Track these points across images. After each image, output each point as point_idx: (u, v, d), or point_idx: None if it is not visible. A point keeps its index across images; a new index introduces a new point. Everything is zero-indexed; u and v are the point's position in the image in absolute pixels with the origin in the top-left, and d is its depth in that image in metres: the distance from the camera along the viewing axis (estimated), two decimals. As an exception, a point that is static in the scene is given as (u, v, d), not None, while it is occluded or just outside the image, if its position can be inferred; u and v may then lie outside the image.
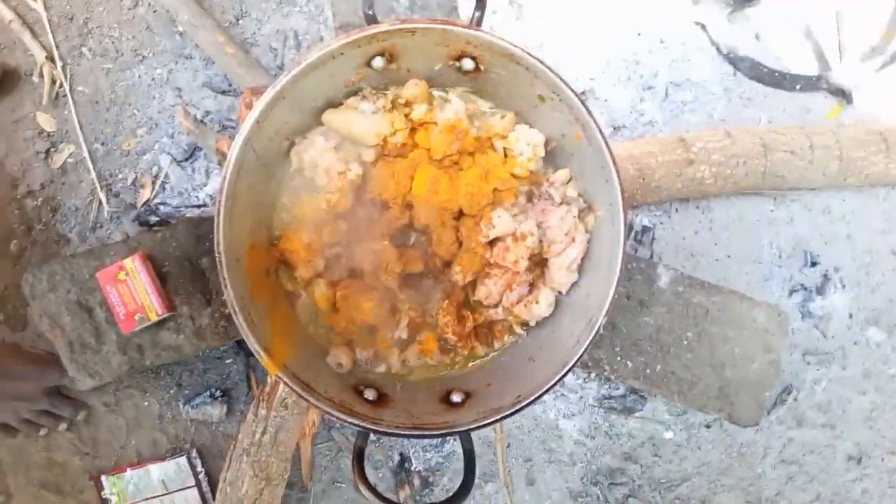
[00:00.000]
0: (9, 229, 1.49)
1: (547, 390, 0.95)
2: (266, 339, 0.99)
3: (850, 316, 1.55)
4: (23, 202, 1.49)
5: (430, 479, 1.49)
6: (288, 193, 1.14)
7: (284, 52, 1.48)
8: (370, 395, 1.04)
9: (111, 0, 1.50)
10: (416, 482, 1.49)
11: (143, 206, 1.47)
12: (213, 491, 1.44)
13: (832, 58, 1.49)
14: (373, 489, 0.89)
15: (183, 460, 1.44)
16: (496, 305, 1.14)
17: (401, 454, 1.49)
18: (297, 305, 1.14)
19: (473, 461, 0.95)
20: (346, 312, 1.10)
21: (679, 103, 1.51)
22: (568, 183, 1.12)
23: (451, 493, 0.90)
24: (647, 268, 1.28)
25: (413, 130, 1.12)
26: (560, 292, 1.12)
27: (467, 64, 1.07)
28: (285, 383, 0.95)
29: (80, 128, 1.49)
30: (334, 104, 1.12)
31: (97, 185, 1.49)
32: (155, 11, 1.50)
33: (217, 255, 0.96)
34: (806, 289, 1.53)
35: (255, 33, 1.50)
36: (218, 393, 1.46)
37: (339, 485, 1.50)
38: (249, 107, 1.26)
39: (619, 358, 1.28)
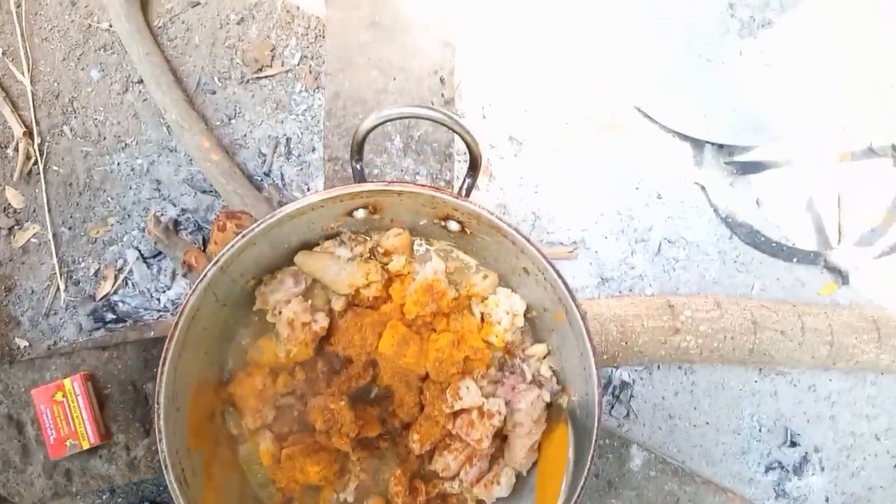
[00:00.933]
0: (-45, 306, 1.41)
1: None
2: (198, 497, 0.92)
3: (827, 500, 1.48)
4: (-25, 279, 1.42)
5: None
6: (246, 334, 1.08)
7: (273, 159, 1.43)
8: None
9: (101, 82, 1.45)
10: None
11: (101, 299, 1.40)
12: None
13: (832, 236, 1.45)
14: None
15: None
16: (453, 479, 1.07)
17: None
18: (239, 450, 1.06)
19: None
20: (290, 471, 1.02)
21: (671, 260, 1.46)
22: (544, 359, 1.06)
23: None
24: (620, 446, 1.21)
25: (389, 281, 1.07)
26: (521, 472, 1.05)
27: (453, 226, 1.02)
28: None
29: (49, 209, 1.43)
30: (309, 245, 1.06)
31: (57, 270, 1.41)
32: (145, 100, 1.45)
33: (156, 406, 0.90)
34: (783, 467, 1.46)
35: (245, 135, 1.44)
36: (152, 508, 1.36)
37: None
38: (222, 229, 1.20)
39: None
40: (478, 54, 1.44)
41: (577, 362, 0.96)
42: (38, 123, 1.44)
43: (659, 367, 1.46)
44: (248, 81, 1.46)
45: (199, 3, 1.47)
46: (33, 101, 1.44)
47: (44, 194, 1.43)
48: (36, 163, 1.43)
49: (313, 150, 1.44)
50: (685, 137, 1.43)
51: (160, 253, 1.40)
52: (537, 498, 0.99)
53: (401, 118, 0.94)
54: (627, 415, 1.44)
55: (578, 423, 0.97)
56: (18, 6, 1.46)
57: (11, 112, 1.42)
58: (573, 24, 1.43)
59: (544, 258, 0.92)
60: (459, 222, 1.01)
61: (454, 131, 0.90)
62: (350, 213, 1.01)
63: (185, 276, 1.27)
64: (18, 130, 1.42)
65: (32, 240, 1.43)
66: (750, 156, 1.43)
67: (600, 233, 1.43)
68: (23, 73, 1.44)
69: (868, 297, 1.47)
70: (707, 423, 1.46)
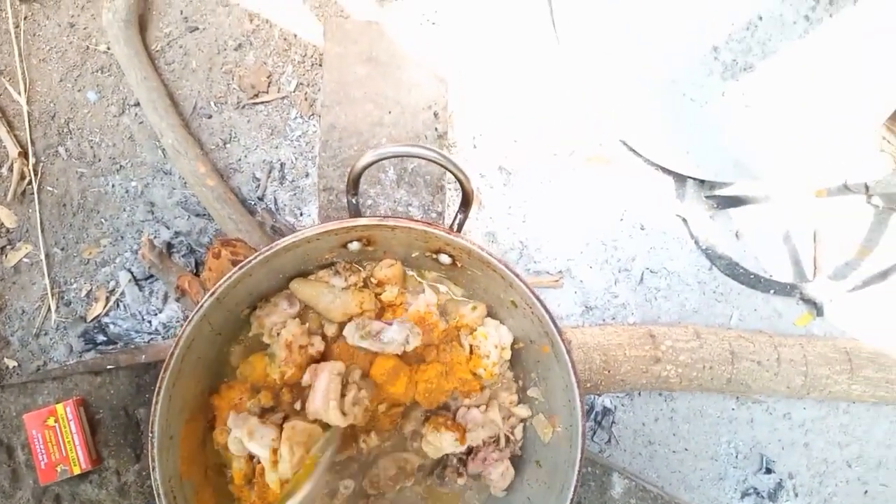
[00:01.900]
0: (-55, 325, 1.41)
1: None
2: (190, 526, 0.94)
3: (800, 525, 1.52)
4: (-35, 298, 1.42)
5: None
6: (237, 356, 1.10)
7: (267, 184, 1.45)
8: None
9: (98, 104, 1.47)
10: None
11: (92, 320, 1.41)
12: None
13: (808, 269, 1.50)
14: None
15: None
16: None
17: None
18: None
19: None
20: (260, 489, 1.04)
21: (653, 289, 1.50)
22: (521, 422, 1.09)
23: None
24: (602, 474, 1.24)
25: (382, 310, 1.09)
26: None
27: (444, 259, 1.05)
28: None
29: (42, 229, 1.44)
30: (304, 273, 1.09)
31: (49, 290, 1.42)
32: (141, 123, 1.47)
33: (150, 435, 0.91)
34: (759, 493, 1.50)
35: (240, 160, 1.47)
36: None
37: None
38: (217, 256, 1.22)
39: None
40: (469, 86, 1.48)
41: (562, 394, 0.99)
42: (33, 143, 1.45)
43: (640, 393, 1.50)
44: (244, 107, 1.48)
45: (197, 29, 1.49)
46: (29, 121, 1.45)
47: (37, 214, 1.44)
48: (30, 183, 1.44)
49: (307, 175, 1.46)
50: (668, 172, 1.48)
51: (152, 275, 1.41)
52: None
53: (397, 157, 0.98)
54: (609, 440, 1.48)
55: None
56: (17, 26, 1.47)
57: (7, 132, 1.43)
58: (563, 59, 1.48)
59: (532, 293, 0.95)
60: (451, 256, 1.03)
61: (448, 170, 0.93)
62: (344, 245, 1.03)
63: (177, 300, 1.29)
64: (13, 150, 1.43)
65: (24, 260, 1.43)
66: (730, 190, 1.48)
67: (585, 262, 1.47)
68: (19, 93, 1.45)
69: (841, 329, 1.52)
70: (686, 449, 1.50)
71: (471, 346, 1.08)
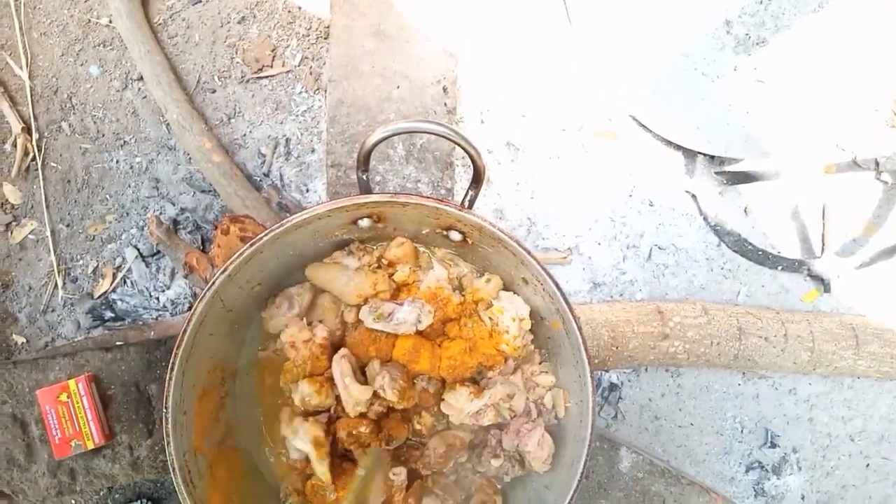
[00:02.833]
0: (-48, 302, 1.41)
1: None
2: (205, 497, 0.95)
3: (803, 498, 1.54)
4: (-28, 275, 1.42)
5: None
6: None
7: (272, 160, 1.44)
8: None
9: (100, 78, 1.45)
10: None
11: (99, 297, 1.40)
12: None
13: (816, 245, 1.50)
14: None
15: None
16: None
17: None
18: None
19: None
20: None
21: (661, 266, 1.50)
22: (549, 390, 1.08)
23: None
24: (610, 449, 1.25)
25: (397, 290, 1.09)
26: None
27: (455, 236, 1.04)
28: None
29: (47, 205, 1.43)
30: (315, 253, 1.08)
31: (55, 267, 1.42)
32: (144, 97, 1.45)
33: (164, 410, 0.91)
34: (763, 467, 1.52)
35: (245, 135, 1.45)
36: (149, 503, 1.38)
37: None
38: (226, 233, 1.21)
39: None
40: (478, 60, 1.46)
41: (573, 370, 1.00)
42: (36, 119, 1.44)
43: (647, 369, 1.51)
44: (248, 81, 1.46)
45: (200, 1, 1.46)
46: (31, 96, 1.44)
47: (42, 191, 1.43)
48: (34, 159, 1.43)
49: (313, 151, 1.45)
50: (678, 147, 1.47)
51: (159, 252, 1.41)
52: None
53: (408, 132, 0.97)
54: (616, 416, 1.49)
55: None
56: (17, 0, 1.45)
57: (10, 107, 1.42)
58: (571, 33, 1.45)
59: (544, 270, 0.95)
60: (461, 232, 1.03)
61: (460, 146, 0.91)
62: (354, 222, 1.03)
63: (185, 277, 1.29)
64: (17, 126, 1.41)
65: (30, 236, 1.43)
66: (739, 167, 1.47)
67: (593, 239, 1.47)
68: (21, 68, 1.43)
69: (848, 305, 1.52)
70: (692, 424, 1.51)
71: (491, 321, 1.08)
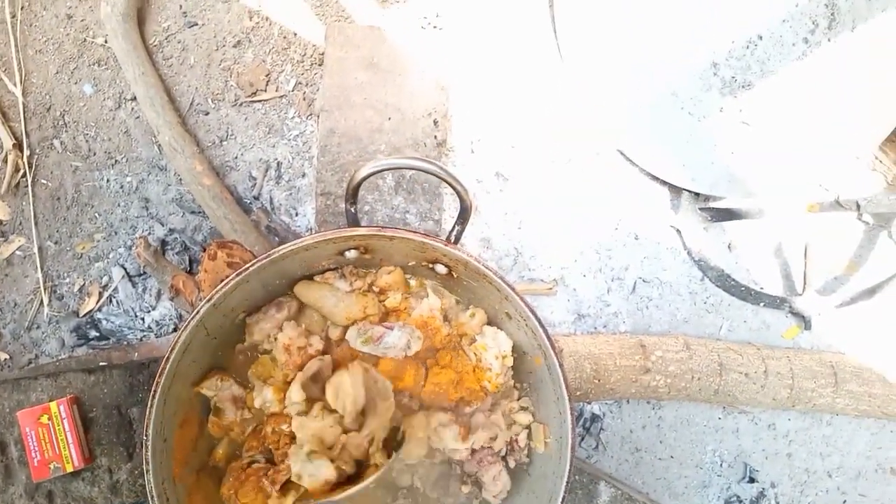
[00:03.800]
0: (-65, 317, 1.41)
1: None
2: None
3: (780, 533, 1.55)
4: (-43, 290, 1.42)
5: None
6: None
7: (263, 183, 1.45)
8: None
9: (94, 97, 1.46)
10: None
11: (85, 315, 1.40)
12: None
13: (798, 283, 1.52)
14: None
15: None
16: None
17: None
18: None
19: None
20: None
21: (645, 298, 1.52)
22: (525, 428, 1.09)
23: None
24: (589, 483, 1.26)
25: (386, 314, 1.09)
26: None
27: (441, 269, 1.06)
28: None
29: (36, 222, 1.43)
30: (305, 276, 1.09)
31: (42, 284, 1.41)
32: (137, 118, 1.46)
33: (144, 437, 0.92)
34: (741, 502, 1.53)
35: (236, 158, 1.46)
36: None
37: None
38: (213, 258, 1.22)
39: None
40: (469, 92, 1.48)
41: (553, 406, 1.01)
42: (28, 136, 1.44)
43: (628, 401, 1.52)
44: (241, 104, 1.47)
45: (196, 24, 1.48)
46: (24, 112, 1.44)
47: (31, 207, 1.43)
48: (24, 175, 1.43)
49: (303, 175, 1.46)
50: (664, 183, 1.49)
51: (146, 272, 1.41)
52: None
53: (397, 169, 0.98)
54: (596, 447, 1.50)
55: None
56: (13, 16, 1.45)
57: (2, 123, 1.42)
58: (562, 69, 1.48)
59: (527, 307, 0.96)
60: (447, 266, 1.04)
61: (448, 184, 0.93)
62: (341, 253, 1.04)
63: (171, 300, 1.29)
64: (8, 142, 1.41)
65: (17, 252, 1.43)
66: (724, 203, 1.49)
67: (579, 270, 1.48)
68: (15, 85, 1.44)
69: (828, 343, 1.54)
70: (671, 456, 1.52)
71: (475, 356, 1.09)
